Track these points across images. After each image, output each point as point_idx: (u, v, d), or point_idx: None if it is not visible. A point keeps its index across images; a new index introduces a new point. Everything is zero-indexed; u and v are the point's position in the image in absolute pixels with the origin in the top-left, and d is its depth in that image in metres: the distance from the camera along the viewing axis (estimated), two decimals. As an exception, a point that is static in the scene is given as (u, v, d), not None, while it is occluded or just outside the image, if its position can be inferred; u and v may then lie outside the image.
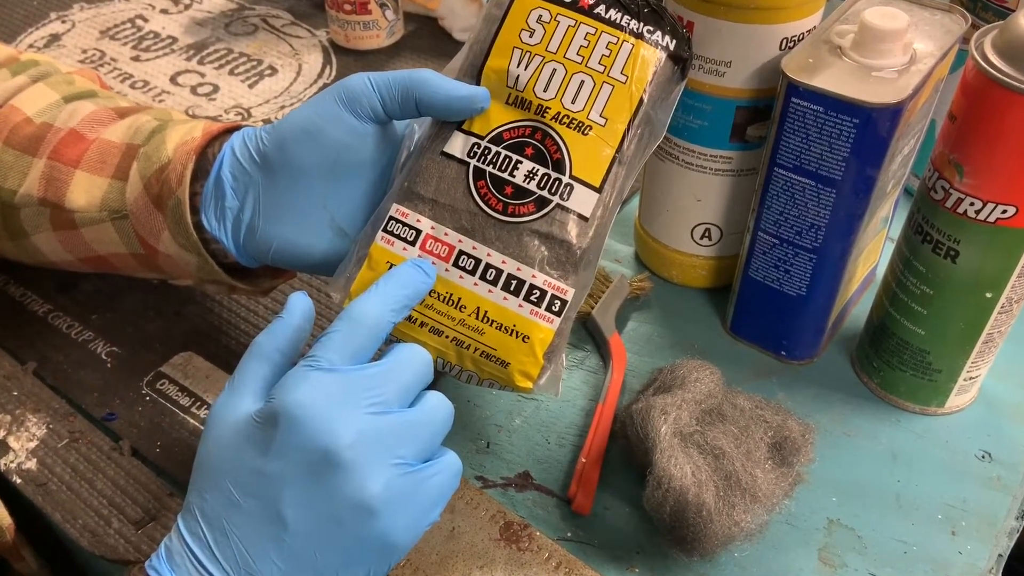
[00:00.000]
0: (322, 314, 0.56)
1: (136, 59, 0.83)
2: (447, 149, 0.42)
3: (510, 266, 0.41)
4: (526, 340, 0.41)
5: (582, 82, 0.42)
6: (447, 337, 0.41)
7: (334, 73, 0.81)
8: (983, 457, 0.49)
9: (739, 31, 0.47)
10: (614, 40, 0.42)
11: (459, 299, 0.41)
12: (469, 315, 0.41)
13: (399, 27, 0.84)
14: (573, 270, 0.42)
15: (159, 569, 0.35)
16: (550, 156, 0.42)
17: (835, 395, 0.52)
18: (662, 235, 0.58)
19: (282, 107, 0.76)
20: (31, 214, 0.49)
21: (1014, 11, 0.49)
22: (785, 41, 0.48)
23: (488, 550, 0.44)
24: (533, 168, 0.42)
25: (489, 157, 0.42)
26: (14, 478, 0.47)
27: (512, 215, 0.41)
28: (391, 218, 0.42)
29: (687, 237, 0.57)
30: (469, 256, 0.41)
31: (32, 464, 0.48)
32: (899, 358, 0.50)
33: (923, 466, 0.49)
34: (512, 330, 0.41)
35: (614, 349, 0.53)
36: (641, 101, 0.42)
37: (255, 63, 0.82)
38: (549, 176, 0.41)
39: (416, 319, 0.41)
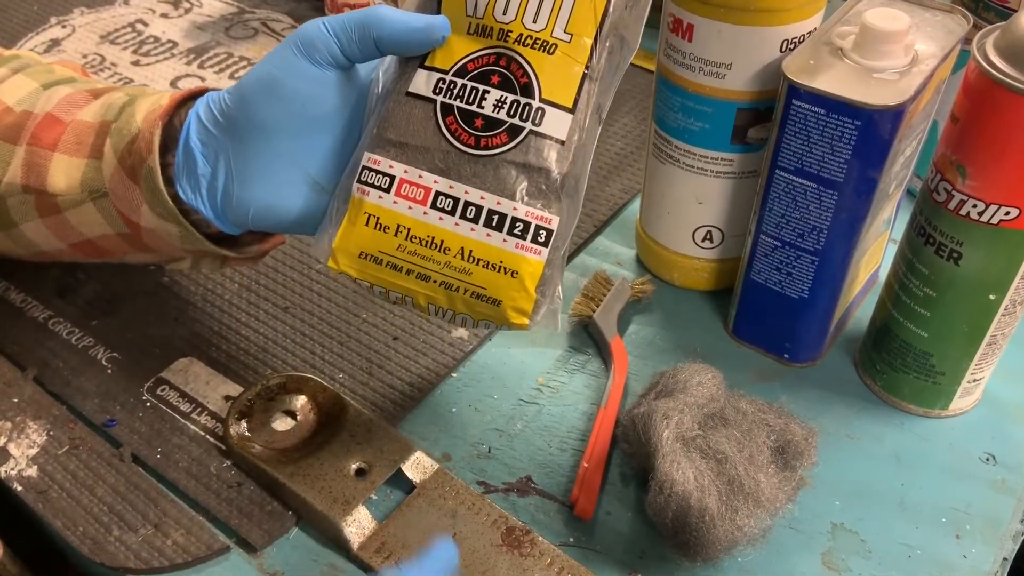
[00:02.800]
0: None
1: (136, 63, 0.83)
2: (412, 89, 0.41)
3: (489, 201, 0.40)
4: (515, 275, 0.40)
5: None
6: (435, 282, 0.40)
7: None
8: (987, 460, 0.49)
9: (739, 33, 0.47)
10: None
11: (442, 241, 0.40)
12: (454, 256, 0.40)
13: (399, 30, 0.84)
14: (556, 198, 0.40)
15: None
16: (517, 81, 0.40)
17: (838, 398, 0.52)
18: (663, 238, 0.58)
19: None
20: (17, 203, 0.49)
21: (1016, 12, 0.49)
22: (786, 43, 0.48)
23: (490, 556, 0.43)
24: (501, 96, 0.40)
25: (455, 91, 0.40)
26: (15, 485, 0.47)
27: (485, 148, 0.40)
28: (364, 167, 0.41)
29: (688, 240, 0.56)
30: (447, 196, 0.40)
31: (33, 471, 0.48)
32: (902, 360, 0.49)
33: (927, 469, 0.48)
34: (500, 267, 0.40)
35: (615, 352, 0.53)
36: (606, 11, 0.40)
37: (255, 67, 0.82)
38: (519, 103, 0.40)
39: (401, 267, 0.40)
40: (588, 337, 0.56)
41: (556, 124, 0.40)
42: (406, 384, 0.52)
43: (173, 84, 0.80)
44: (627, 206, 0.66)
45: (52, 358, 0.54)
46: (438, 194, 0.40)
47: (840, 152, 0.44)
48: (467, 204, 0.40)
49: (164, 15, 0.90)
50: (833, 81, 0.44)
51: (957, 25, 0.47)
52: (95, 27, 0.88)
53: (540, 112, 0.40)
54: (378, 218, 0.40)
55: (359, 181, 0.41)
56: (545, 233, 0.40)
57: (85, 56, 0.84)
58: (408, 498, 0.46)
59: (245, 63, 0.83)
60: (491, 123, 0.40)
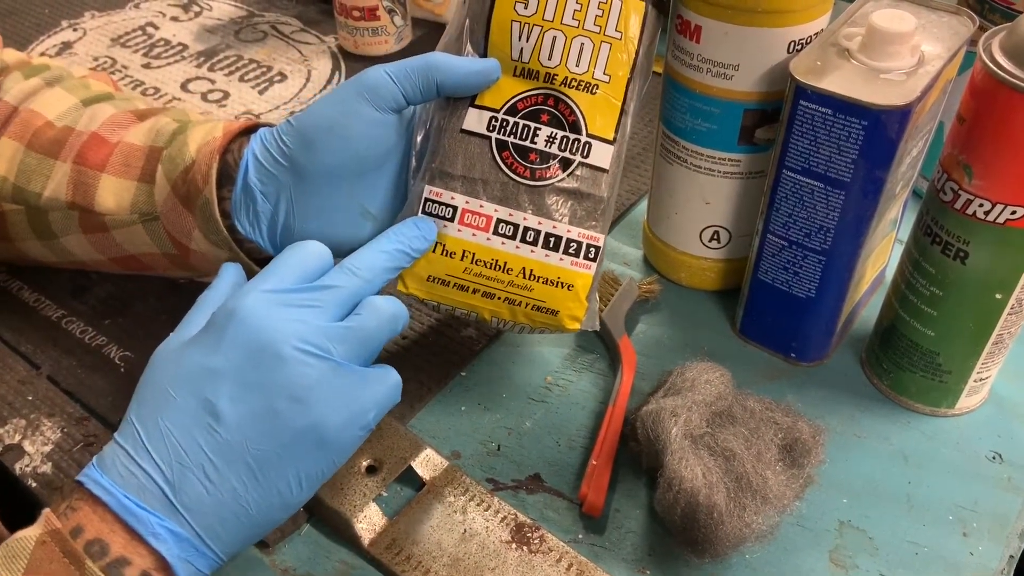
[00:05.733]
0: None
1: (147, 66, 0.83)
2: (466, 126, 0.45)
3: (546, 225, 0.45)
4: (571, 288, 0.45)
5: (582, 45, 0.45)
6: (499, 298, 0.45)
7: (343, 79, 0.82)
8: (994, 458, 0.49)
9: (747, 34, 0.47)
10: (604, 0, 0.45)
11: (505, 263, 0.45)
12: (516, 276, 0.45)
13: (407, 33, 0.85)
14: (601, 219, 0.45)
15: (90, 475, 0.35)
16: (565, 119, 0.45)
17: (845, 397, 0.52)
18: (671, 238, 0.58)
19: (291, 113, 0.76)
20: (60, 217, 0.50)
21: (1021, 13, 0.49)
22: (793, 44, 0.48)
23: (499, 552, 0.44)
24: (552, 133, 0.45)
25: (508, 128, 0.45)
26: (29, 482, 0.48)
27: (540, 179, 0.45)
28: (426, 200, 0.45)
29: (696, 240, 0.57)
30: (507, 223, 0.45)
31: (47, 468, 0.48)
32: (909, 359, 0.50)
33: (934, 467, 0.49)
34: (557, 282, 0.45)
35: (623, 352, 0.53)
36: (637, 55, 0.46)
37: (265, 69, 0.83)
38: (568, 138, 0.45)
39: (467, 287, 0.45)
40: (596, 336, 0.56)
41: (601, 155, 0.45)
42: (416, 383, 0.53)
43: (183, 87, 0.80)
44: (634, 207, 0.66)
45: (65, 357, 0.55)
46: (499, 221, 0.45)
47: (847, 152, 0.44)
48: (526, 229, 0.45)
49: (174, 18, 0.91)
50: (840, 82, 0.44)
51: (963, 26, 0.48)
52: (106, 30, 0.89)
53: (588, 146, 0.45)
54: (444, 245, 0.45)
55: (423, 212, 0.45)
56: (594, 250, 0.45)
57: (96, 59, 0.84)
58: (418, 495, 0.46)
59: (254, 66, 0.83)
60: (544, 156, 0.45)
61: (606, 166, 0.45)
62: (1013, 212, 0.42)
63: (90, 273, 0.60)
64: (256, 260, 0.48)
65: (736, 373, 0.49)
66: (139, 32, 0.89)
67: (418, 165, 0.47)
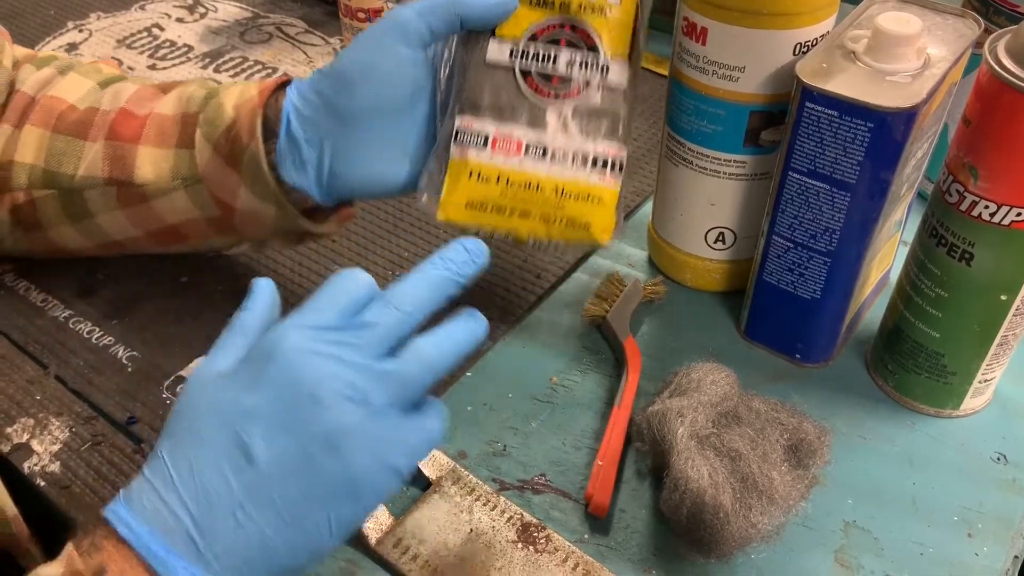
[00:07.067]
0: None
1: (153, 67, 0.84)
2: (489, 58, 0.48)
3: (573, 144, 0.47)
4: (600, 202, 0.48)
5: None
6: (535, 217, 0.48)
7: (348, 80, 0.82)
8: (998, 459, 0.49)
9: (753, 36, 0.48)
10: None
11: (538, 184, 0.47)
12: (549, 194, 0.47)
13: (412, 34, 0.85)
14: (624, 134, 0.48)
15: (115, 510, 0.34)
16: (584, 43, 0.48)
17: (850, 398, 0.52)
18: (676, 239, 0.58)
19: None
20: (96, 195, 0.51)
21: (1027, 15, 0.49)
22: (799, 46, 0.48)
23: (506, 551, 0.44)
24: (572, 56, 0.48)
25: (530, 55, 0.48)
26: (38, 481, 0.48)
27: (564, 100, 0.47)
28: (458, 130, 0.47)
29: (701, 241, 0.57)
30: (536, 145, 0.47)
31: (55, 467, 0.49)
32: (914, 361, 0.50)
33: (939, 468, 0.49)
34: (588, 196, 0.47)
35: (629, 352, 0.54)
36: None
37: (270, 71, 0.83)
38: (587, 60, 0.47)
39: (504, 208, 0.48)
40: (601, 337, 0.56)
41: (619, 73, 0.48)
42: (422, 383, 0.53)
43: (189, 87, 0.81)
44: (639, 208, 0.66)
45: (72, 356, 0.55)
46: (529, 145, 0.47)
47: (853, 154, 0.45)
48: (555, 149, 0.47)
49: (180, 20, 0.91)
50: (846, 84, 0.44)
51: (968, 29, 0.48)
52: (112, 31, 0.89)
53: (606, 66, 0.48)
54: (479, 172, 0.48)
55: (457, 143, 0.48)
56: (619, 164, 0.48)
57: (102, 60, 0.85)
58: (424, 494, 0.47)
59: (260, 67, 0.84)
60: (566, 79, 0.47)
61: (624, 84, 0.48)
62: (1018, 214, 0.42)
63: (97, 274, 0.60)
64: (302, 211, 0.49)
65: (741, 374, 0.49)
66: (145, 33, 0.89)
67: (444, 102, 0.49)
